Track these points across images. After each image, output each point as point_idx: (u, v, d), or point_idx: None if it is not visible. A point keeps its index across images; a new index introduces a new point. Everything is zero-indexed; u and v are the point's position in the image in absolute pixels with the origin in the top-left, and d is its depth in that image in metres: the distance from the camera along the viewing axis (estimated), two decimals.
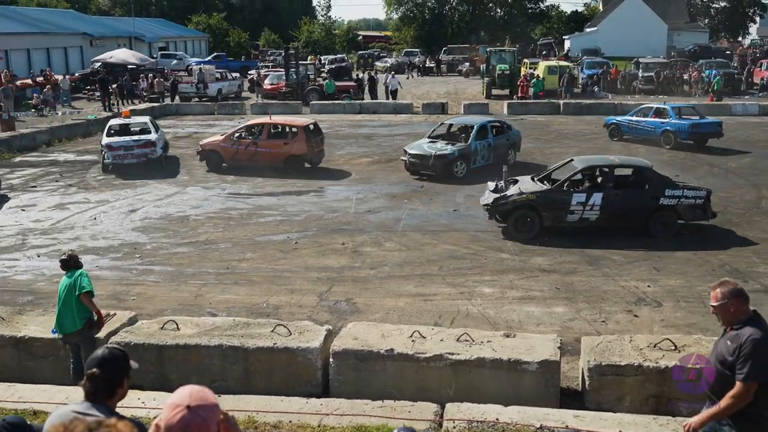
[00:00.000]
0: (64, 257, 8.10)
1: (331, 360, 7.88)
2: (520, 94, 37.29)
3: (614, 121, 25.84)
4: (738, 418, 4.97)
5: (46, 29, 52.88)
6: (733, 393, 4.90)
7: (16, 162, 23.35)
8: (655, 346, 7.62)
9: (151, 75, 42.18)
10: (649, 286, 11.34)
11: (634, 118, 25.02)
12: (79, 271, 8.02)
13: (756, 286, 11.30)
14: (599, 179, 14.59)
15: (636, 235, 14.07)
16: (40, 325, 8.58)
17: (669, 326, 9.75)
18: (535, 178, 14.90)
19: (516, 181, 14.81)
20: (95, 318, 8.03)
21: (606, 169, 14.55)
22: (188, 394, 3.03)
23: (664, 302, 10.69)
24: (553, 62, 42.99)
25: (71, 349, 8.04)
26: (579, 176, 14.58)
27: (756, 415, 4.94)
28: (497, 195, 14.24)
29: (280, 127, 21.29)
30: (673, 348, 7.52)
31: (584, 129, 28.34)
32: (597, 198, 13.88)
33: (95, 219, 15.92)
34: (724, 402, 4.95)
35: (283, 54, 43.67)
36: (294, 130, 20.72)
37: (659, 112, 24.37)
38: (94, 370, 3.70)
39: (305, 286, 11.62)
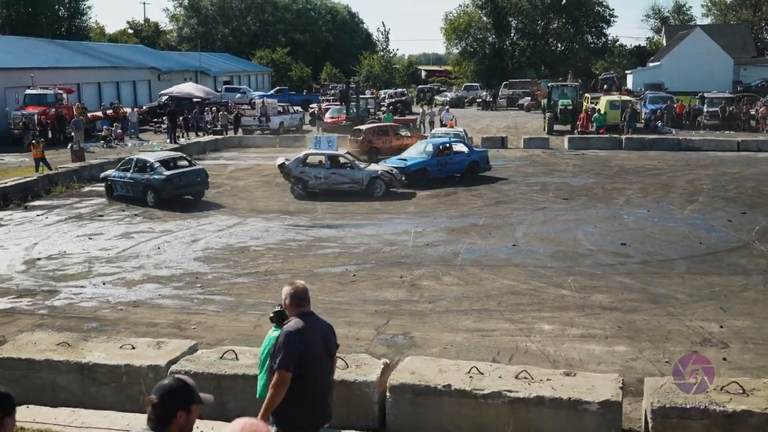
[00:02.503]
0: (279, 309, 6.89)
1: (387, 394, 7.82)
2: (580, 129, 36.95)
3: None
4: None
5: (116, 64, 54.91)
6: None
7: (84, 192, 24.16)
8: (722, 389, 7.35)
9: (215, 108, 43.31)
10: (721, 326, 11.00)
11: None
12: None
13: None
14: None
15: (701, 273, 13.73)
16: (104, 352, 8.71)
17: (736, 369, 9.42)
18: None
19: None
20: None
21: None
22: (240, 427, 3.06)
23: (731, 344, 10.34)
24: (615, 97, 42.53)
25: None
26: None
27: None
28: None
29: None
30: (741, 392, 7.25)
31: (647, 164, 27.91)
32: None
33: (159, 248, 16.30)
34: None
35: (343, 88, 44.31)
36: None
37: None
38: (152, 396, 3.73)
39: (363, 318, 11.64)
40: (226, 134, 39.24)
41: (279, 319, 6.96)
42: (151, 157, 22.56)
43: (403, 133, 31.02)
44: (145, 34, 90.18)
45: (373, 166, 22.65)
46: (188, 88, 48.25)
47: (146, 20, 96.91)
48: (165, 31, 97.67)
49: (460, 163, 24.74)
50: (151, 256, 15.69)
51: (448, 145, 25.39)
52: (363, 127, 31.60)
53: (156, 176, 21.06)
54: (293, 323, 5.67)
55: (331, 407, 6.04)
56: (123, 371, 8.32)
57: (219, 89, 60.27)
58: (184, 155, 24.36)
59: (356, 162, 22.67)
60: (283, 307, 6.74)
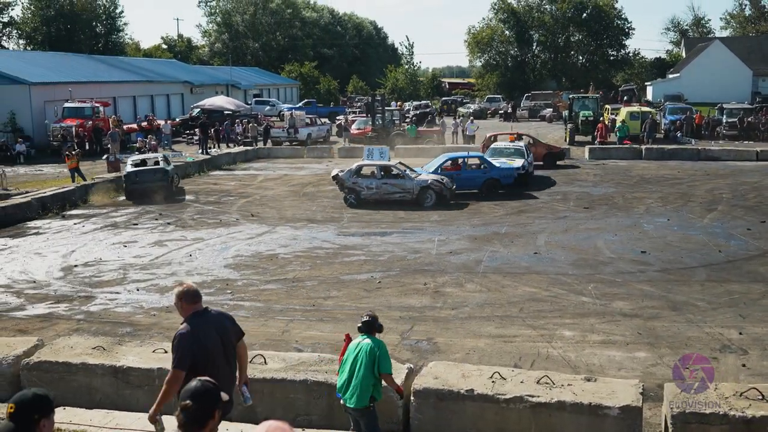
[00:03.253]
0: (367, 319, 7.23)
1: (411, 398, 7.95)
2: (599, 139, 36.96)
3: None
4: None
5: (151, 78, 55.94)
6: None
7: (120, 201, 24.75)
8: (741, 395, 7.40)
9: (245, 120, 43.94)
10: (741, 333, 11.09)
11: None
12: (379, 342, 7.16)
13: None
14: None
15: (721, 281, 13.83)
16: (138, 356, 8.91)
17: (755, 375, 9.52)
18: None
19: None
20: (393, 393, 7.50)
21: None
22: (264, 429, 3.26)
23: (750, 350, 10.43)
24: (635, 108, 42.54)
25: (352, 420, 7.38)
26: None
27: None
28: None
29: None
30: (761, 398, 7.31)
31: (667, 174, 27.94)
32: None
33: (191, 256, 16.68)
34: None
35: (369, 100, 44.75)
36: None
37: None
38: (188, 402, 3.88)
39: (387, 324, 11.78)
40: (256, 145, 39.82)
41: (368, 328, 7.20)
42: (132, 158, 26.88)
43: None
44: (179, 49, 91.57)
45: (424, 176, 22.84)
46: (219, 101, 49.00)
47: (179, 36, 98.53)
48: (197, 46, 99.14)
49: (473, 179, 23.98)
50: (183, 263, 16.07)
51: (459, 160, 24.76)
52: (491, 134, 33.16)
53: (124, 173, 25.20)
54: (184, 326, 6.05)
55: (230, 401, 6.29)
56: (155, 374, 8.46)
57: (249, 102, 61.01)
58: (162, 158, 26.68)
59: (407, 172, 22.96)
60: (371, 316, 7.20)
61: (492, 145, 27.29)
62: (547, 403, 7.53)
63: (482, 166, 24.49)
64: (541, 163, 29.85)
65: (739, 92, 61.33)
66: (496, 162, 25.04)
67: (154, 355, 8.91)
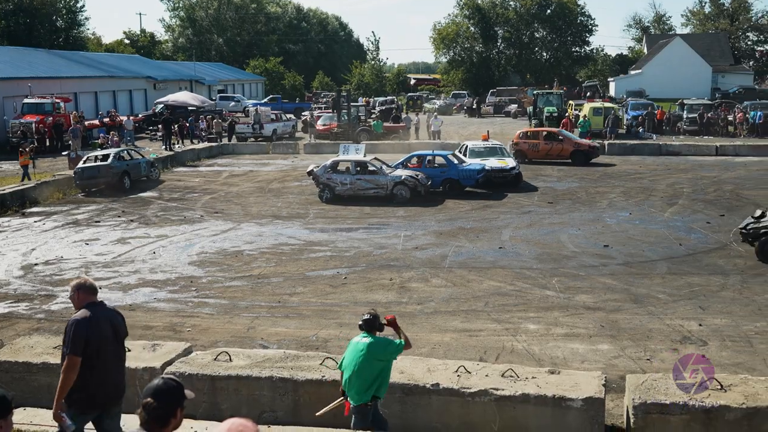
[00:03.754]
0: (368, 317, 7.18)
1: None
2: None
3: None
4: None
5: (113, 73, 55.13)
6: None
7: (81, 198, 24.37)
8: None
9: (209, 116, 43.57)
10: (700, 325, 11.30)
11: None
12: (378, 340, 7.12)
13: None
14: None
15: (681, 273, 14.08)
16: None
17: (715, 365, 9.62)
18: None
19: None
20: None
21: None
22: (227, 427, 3.23)
23: (709, 341, 10.64)
24: (598, 104, 43.11)
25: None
26: None
27: None
28: (752, 220, 15.28)
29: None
30: (719, 387, 7.45)
31: (629, 169, 28.35)
32: None
33: (154, 253, 16.51)
34: None
35: (335, 96, 44.69)
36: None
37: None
38: (149, 399, 3.83)
39: (353, 320, 11.81)
40: (221, 141, 39.50)
41: (369, 326, 7.16)
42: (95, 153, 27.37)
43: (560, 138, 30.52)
44: (141, 45, 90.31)
45: (398, 172, 22.70)
46: (183, 97, 48.49)
47: (142, 31, 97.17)
48: (161, 41, 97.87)
49: (432, 178, 23.03)
50: (146, 260, 15.90)
51: (428, 158, 24.12)
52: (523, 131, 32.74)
53: None
54: (80, 313, 6.17)
55: (121, 387, 6.52)
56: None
57: (213, 98, 60.54)
58: (125, 152, 27.20)
59: (383, 168, 22.85)
60: (372, 315, 7.17)
61: (469, 146, 26.54)
62: (512, 396, 7.59)
63: (444, 166, 23.82)
64: (569, 161, 29.64)
65: (699, 88, 62.56)
66: (487, 163, 24.33)
67: None
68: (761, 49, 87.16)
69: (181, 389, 3.94)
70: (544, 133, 31.46)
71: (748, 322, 11.37)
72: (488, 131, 33.30)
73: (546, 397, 7.54)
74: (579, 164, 29.27)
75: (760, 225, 15.00)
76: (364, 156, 23.75)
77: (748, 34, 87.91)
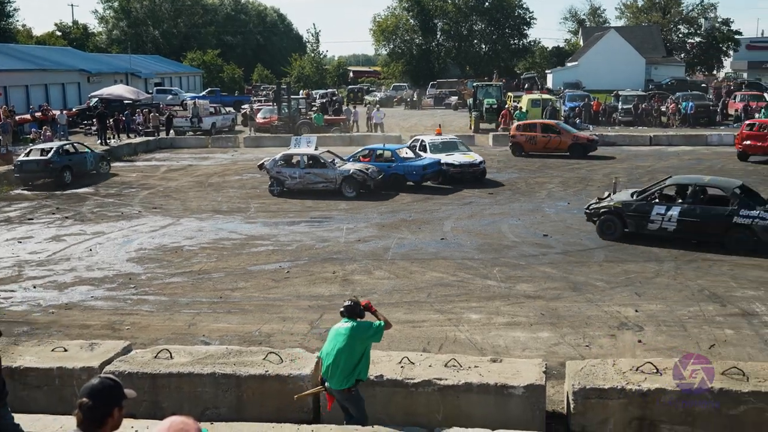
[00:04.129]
0: (349, 303, 7.33)
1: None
2: (502, 126, 37.73)
3: None
4: None
5: (45, 66, 53.41)
6: None
7: (13, 195, 23.62)
8: (637, 370, 7.72)
9: (146, 110, 42.65)
10: (636, 311, 11.57)
11: None
12: (360, 324, 7.22)
13: (734, 310, 11.57)
14: (681, 195, 15.82)
15: (618, 261, 14.39)
16: (36, 355, 8.60)
17: (650, 350, 9.98)
18: (633, 192, 16.71)
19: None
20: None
21: (689, 187, 15.72)
22: (168, 426, 3.19)
23: (645, 326, 10.91)
24: (536, 95, 43.72)
25: (339, 404, 7.41)
26: (665, 191, 16.19)
27: None
28: (595, 201, 16.89)
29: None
30: (655, 371, 7.65)
31: (566, 159, 28.75)
32: (673, 212, 15.36)
33: (91, 250, 16.11)
34: None
35: (275, 89, 44.27)
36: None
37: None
38: (85, 399, 3.75)
39: (297, 314, 11.82)
40: (158, 136, 38.71)
41: (350, 312, 7.23)
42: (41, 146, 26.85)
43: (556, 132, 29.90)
44: (74, 37, 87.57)
45: (348, 165, 22.39)
46: (118, 90, 47.33)
47: (75, 22, 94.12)
48: (94, 33, 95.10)
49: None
50: (82, 258, 15.51)
51: (378, 152, 24.03)
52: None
53: None
54: None
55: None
56: (55, 374, 8.25)
57: (150, 91, 59.23)
58: (56, 147, 26.13)
59: (334, 161, 22.44)
60: (353, 302, 7.25)
61: (427, 141, 25.43)
62: (455, 386, 7.66)
63: (391, 160, 23.47)
64: (567, 153, 29.22)
65: (633, 80, 64.10)
66: (452, 158, 23.92)
67: (53, 354, 8.62)
68: (692, 41, 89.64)
69: (120, 388, 3.86)
70: (542, 125, 30.99)
71: (682, 307, 11.70)
72: (440, 125, 32.94)
73: (488, 385, 7.63)
74: (577, 157, 28.80)
75: (600, 206, 16.37)
76: (316, 149, 23.33)
77: (679, 26, 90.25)
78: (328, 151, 23.89)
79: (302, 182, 22.14)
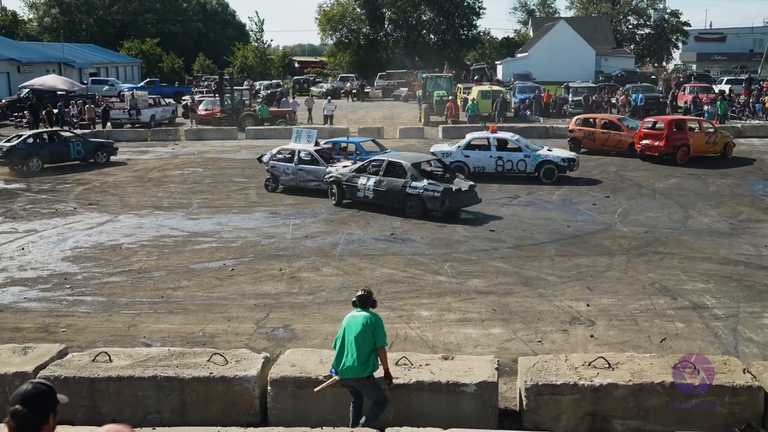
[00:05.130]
0: (362, 293, 7.46)
1: (269, 388, 7.79)
2: (448, 118, 37.71)
3: None
4: None
5: None
6: None
7: None
8: (589, 365, 7.76)
9: (81, 101, 41.37)
10: (588, 305, 11.56)
11: None
12: (375, 315, 7.37)
13: (684, 303, 11.66)
14: (377, 169, 18.52)
15: (570, 255, 14.43)
16: None
17: (602, 344, 9.96)
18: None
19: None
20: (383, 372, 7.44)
21: (383, 162, 18.53)
22: None
23: (597, 321, 10.91)
24: (486, 87, 43.80)
25: (352, 392, 7.50)
26: (368, 165, 18.92)
27: None
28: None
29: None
30: (607, 366, 7.69)
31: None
32: (370, 182, 18.24)
33: (23, 249, 15.44)
34: None
35: (217, 80, 43.47)
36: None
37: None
38: (17, 406, 3.53)
39: (242, 313, 11.49)
40: (94, 128, 37.58)
41: (363, 302, 7.34)
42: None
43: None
44: (2, 24, 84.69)
45: (342, 163, 21.12)
46: (51, 81, 45.79)
47: (3, 9, 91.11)
48: (24, 20, 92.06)
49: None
50: (14, 257, 14.85)
51: (343, 145, 23.67)
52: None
53: None
54: None
55: None
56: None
57: (85, 81, 57.66)
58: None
59: (333, 159, 21.29)
60: (366, 291, 7.45)
61: (511, 138, 23.56)
62: (406, 384, 7.58)
63: (356, 154, 22.80)
64: (627, 151, 26.99)
65: (583, 71, 64.93)
66: (552, 153, 22.86)
67: None
68: (641, 32, 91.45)
69: (53, 393, 3.65)
70: (602, 120, 28.88)
71: (633, 300, 11.74)
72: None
73: (440, 383, 7.57)
74: (633, 157, 26.55)
75: (330, 175, 19.20)
76: (315, 144, 21.88)
77: (628, 17, 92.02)
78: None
79: (295, 179, 21.11)
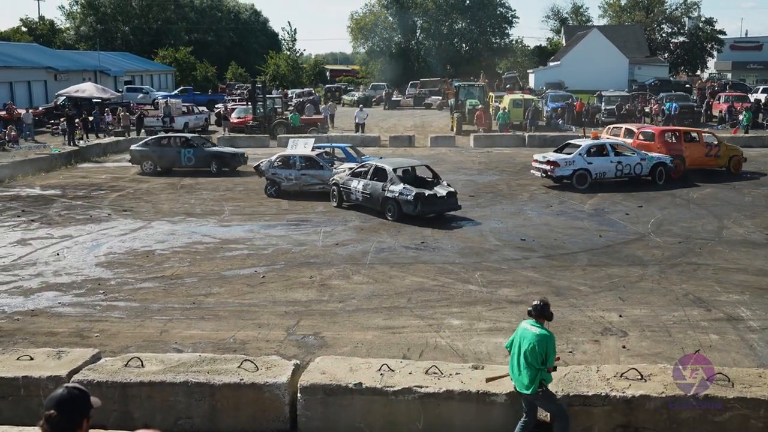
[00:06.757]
0: (538, 303, 7.22)
1: (298, 395, 7.79)
2: (480, 127, 37.52)
3: None
4: None
5: (9, 63, 52.48)
6: None
7: None
8: (621, 376, 7.67)
9: (116, 108, 42.00)
10: (620, 316, 11.42)
11: None
12: (548, 337, 7.07)
13: (719, 314, 11.47)
14: (366, 173, 19.18)
15: (602, 265, 14.27)
16: (0, 364, 8.32)
17: (635, 356, 9.83)
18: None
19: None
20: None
21: (372, 167, 19.17)
22: None
23: (629, 332, 10.77)
24: (518, 95, 43.60)
25: (524, 404, 7.33)
26: (359, 170, 19.69)
27: None
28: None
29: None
30: (640, 377, 7.59)
31: None
32: (360, 185, 19.04)
33: (58, 255, 15.65)
34: None
35: (250, 88, 43.82)
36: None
37: None
38: (52, 411, 3.58)
39: (273, 320, 11.53)
40: (129, 136, 38.10)
41: (539, 313, 7.15)
42: None
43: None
44: (40, 33, 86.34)
45: (344, 166, 22.04)
46: (87, 88, 46.53)
47: (41, 18, 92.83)
48: (61, 29, 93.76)
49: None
50: (50, 262, 15.05)
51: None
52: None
53: None
54: None
55: None
56: (21, 383, 7.99)
57: (120, 89, 58.48)
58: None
59: (330, 163, 22.19)
60: (542, 302, 7.22)
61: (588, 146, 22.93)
62: (436, 393, 7.54)
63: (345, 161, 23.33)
64: (723, 169, 25.04)
65: (616, 80, 64.44)
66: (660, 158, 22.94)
67: (18, 363, 8.34)
68: (675, 41, 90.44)
69: (87, 398, 3.69)
70: (684, 133, 25.76)
71: (666, 311, 11.57)
72: (599, 129, 30.28)
73: (470, 393, 7.52)
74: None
75: (333, 180, 20.18)
76: (312, 151, 22.77)
77: (662, 26, 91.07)
78: (325, 153, 23.26)
79: (298, 184, 21.76)
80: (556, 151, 23.53)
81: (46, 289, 13.29)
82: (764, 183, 23.45)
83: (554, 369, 7.28)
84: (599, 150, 22.90)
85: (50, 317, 11.87)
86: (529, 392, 7.07)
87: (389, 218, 18.19)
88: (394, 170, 18.58)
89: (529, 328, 7.16)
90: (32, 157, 29.07)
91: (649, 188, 22.49)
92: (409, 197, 17.76)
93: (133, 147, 28.13)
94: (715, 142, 25.30)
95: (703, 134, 25.64)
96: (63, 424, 3.57)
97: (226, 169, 26.88)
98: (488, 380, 7.58)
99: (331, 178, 20.51)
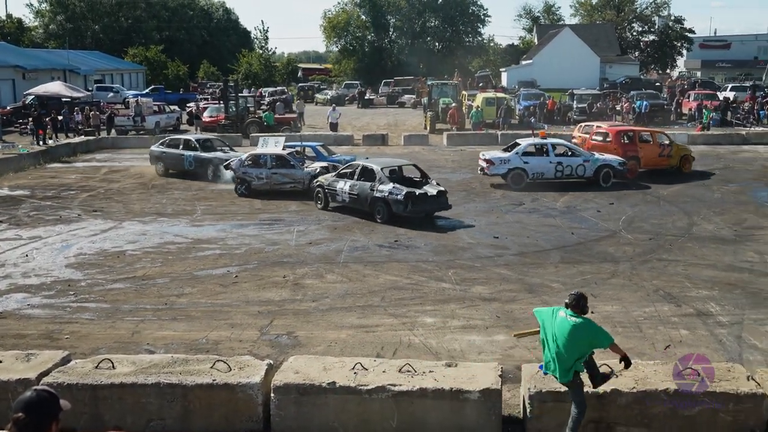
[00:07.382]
0: (576, 293, 7.10)
1: (272, 395, 7.77)
2: (453, 125, 37.63)
3: None
4: None
5: None
6: None
7: None
8: None
9: (86, 108, 41.48)
10: (592, 312, 11.42)
11: None
12: (586, 322, 7.01)
13: (689, 310, 11.62)
14: (353, 173, 18.91)
15: (573, 262, 14.39)
16: None
17: (606, 351, 9.87)
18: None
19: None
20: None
21: (358, 167, 18.90)
22: None
23: None
24: (490, 94, 43.78)
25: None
26: (346, 170, 19.39)
27: None
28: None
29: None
30: (610, 372, 7.64)
31: None
32: (346, 186, 18.66)
33: (27, 256, 15.43)
34: None
35: (222, 86, 43.57)
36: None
37: None
38: (20, 414, 3.54)
39: (246, 320, 11.47)
40: (99, 135, 37.64)
41: (577, 304, 6.99)
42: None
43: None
44: (8, 31, 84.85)
45: (315, 164, 22.01)
46: (56, 87, 45.86)
47: (8, 16, 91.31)
48: (29, 27, 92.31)
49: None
50: (18, 264, 14.83)
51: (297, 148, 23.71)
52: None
53: None
54: None
55: None
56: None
57: (90, 88, 57.77)
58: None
59: (302, 161, 22.08)
60: (578, 293, 7.07)
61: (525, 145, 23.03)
62: (409, 391, 7.55)
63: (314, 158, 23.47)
64: (674, 168, 24.95)
65: (588, 78, 64.87)
66: (605, 157, 22.77)
67: None
68: (646, 39, 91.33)
69: (56, 401, 3.66)
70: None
71: (637, 307, 11.70)
72: (545, 127, 30.66)
73: (443, 390, 7.54)
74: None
75: (317, 181, 19.81)
76: (283, 149, 22.56)
77: (633, 24, 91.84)
78: (297, 152, 23.06)
79: (269, 183, 21.64)
80: (505, 150, 23.53)
81: (15, 291, 13.09)
82: (733, 180, 23.79)
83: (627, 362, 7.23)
84: (539, 150, 22.80)
85: (19, 319, 11.71)
86: (565, 381, 7.10)
87: (378, 219, 17.85)
88: (382, 169, 18.33)
89: (566, 318, 7.07)
90: (0, 157, 28.62)
91: (621, 186, 22.67)
92: (399, 197, 17.46)
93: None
94: (667, 142, 25.37)
95: (656, 134, 25.72)
96: (31, 427, 3.54)
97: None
98: (516, 336, 7.93)
99: (313, 180, 20.21)
